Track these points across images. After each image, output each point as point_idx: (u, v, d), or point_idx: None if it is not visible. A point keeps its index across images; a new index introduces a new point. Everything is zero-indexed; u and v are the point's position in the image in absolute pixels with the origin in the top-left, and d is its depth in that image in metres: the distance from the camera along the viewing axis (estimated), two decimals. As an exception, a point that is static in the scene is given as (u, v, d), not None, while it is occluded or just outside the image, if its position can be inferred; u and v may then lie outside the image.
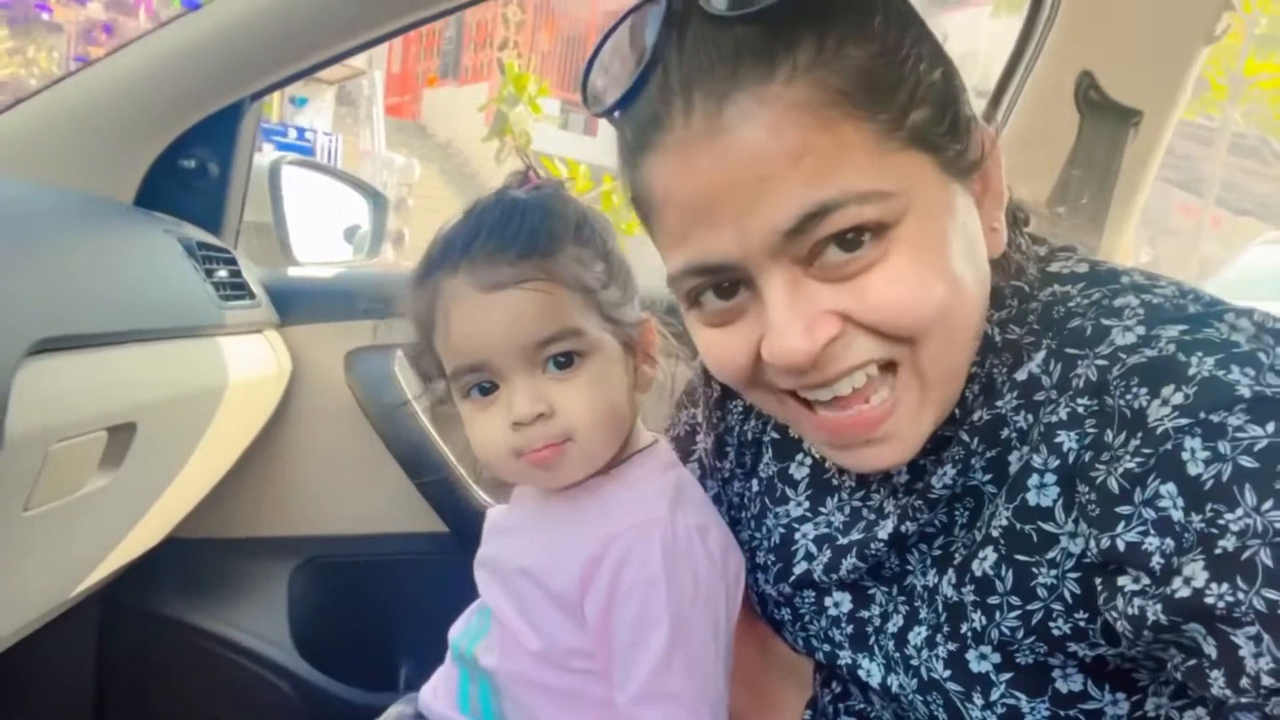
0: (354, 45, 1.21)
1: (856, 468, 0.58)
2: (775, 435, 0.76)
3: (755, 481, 0.77)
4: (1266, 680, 0.43)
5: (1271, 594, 0.43)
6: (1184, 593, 0.45)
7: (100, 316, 0.84)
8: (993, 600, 0.56)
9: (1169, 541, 0.46)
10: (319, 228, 1.75)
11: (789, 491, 0.73)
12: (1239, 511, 0.44)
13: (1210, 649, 0.45)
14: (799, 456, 0.73)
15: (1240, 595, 0.43)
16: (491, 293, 0.68)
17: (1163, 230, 12.83)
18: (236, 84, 1.19)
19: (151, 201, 1.20)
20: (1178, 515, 0.46)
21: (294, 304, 1.34)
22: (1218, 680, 0.45)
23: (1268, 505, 0.43)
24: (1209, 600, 0.44)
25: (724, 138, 0.50)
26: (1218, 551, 0.44)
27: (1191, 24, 1.17)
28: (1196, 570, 0.45)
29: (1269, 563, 0.43)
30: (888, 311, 0.52)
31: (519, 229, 0.70)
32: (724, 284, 0.55)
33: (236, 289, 1.20)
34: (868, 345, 0.53)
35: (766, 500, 0.75)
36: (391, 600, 1.38)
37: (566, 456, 0.70)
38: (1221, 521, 0.44)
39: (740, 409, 0.79)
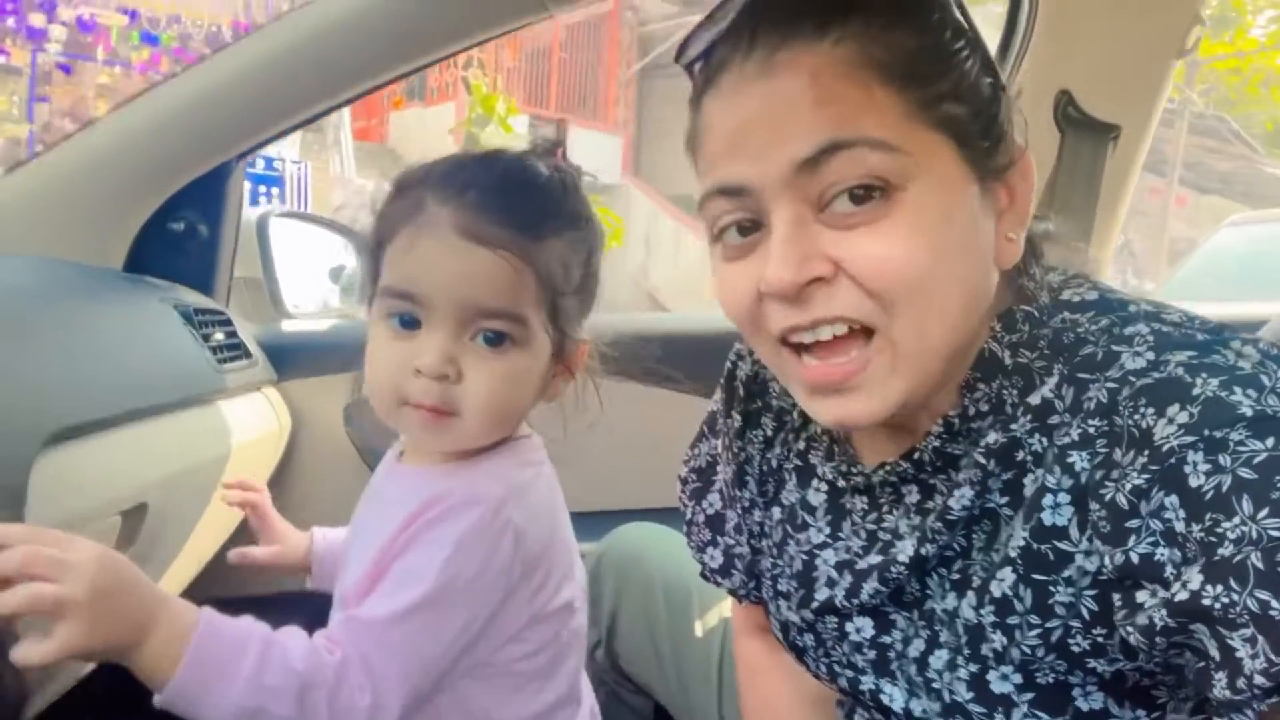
0: (336, 103, 1.21)
1: (827, 417, 0.60)
2: (798, 462, 0.76)
3: (777, 509, 0.77)
4: (1259, 680, 0.44)
5: (1263, 595, 0.44)
6: (1182, 596, 0.47)
7: (109, 399, 0.83)
8: (1012, 620, 0.57)
9: (1175, 552, 0.48)
10: (309, 278, 1.75)
11: (809, 518, 0.74)
12: (1236, 520, 0.46)
13: (1213, 650, 0.46)
14: (815, 483, 0.74)
15: (1234, 597, 0.45)
16: (464, 240, 0.67)
17: (1133, 212, 13.01)
18: (222, 146, 1.19)
19: (142, 266, 1.19)
20: (1180, 526, 0.48)
21: (290, 359, 1.33)
22: (1220, 681, 0.46)
23: (1263, 514, 0.45)
24: (1205, 602, 0.46)
25: (770, 77, 0.56)
26: (1215, 558, 0.46)
27: (1164, 39, 1.19)
28: (1194, 575, 0.46)
29: (1260, 565, 0.44)
30: (871, 266, 0.55)
31: (523, 197, 0.70)
32: (745, 223, 0.59)
33: (233, 349, 1.20)
34: (850, 299, 0.56)
35: (788, 528, 0.76)
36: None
37: (443, 427, 0.70)
38: (1220, 530, 0.46)
39: (761, 439, 0.79)
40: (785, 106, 0.56)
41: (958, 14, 0.59)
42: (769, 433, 0.79)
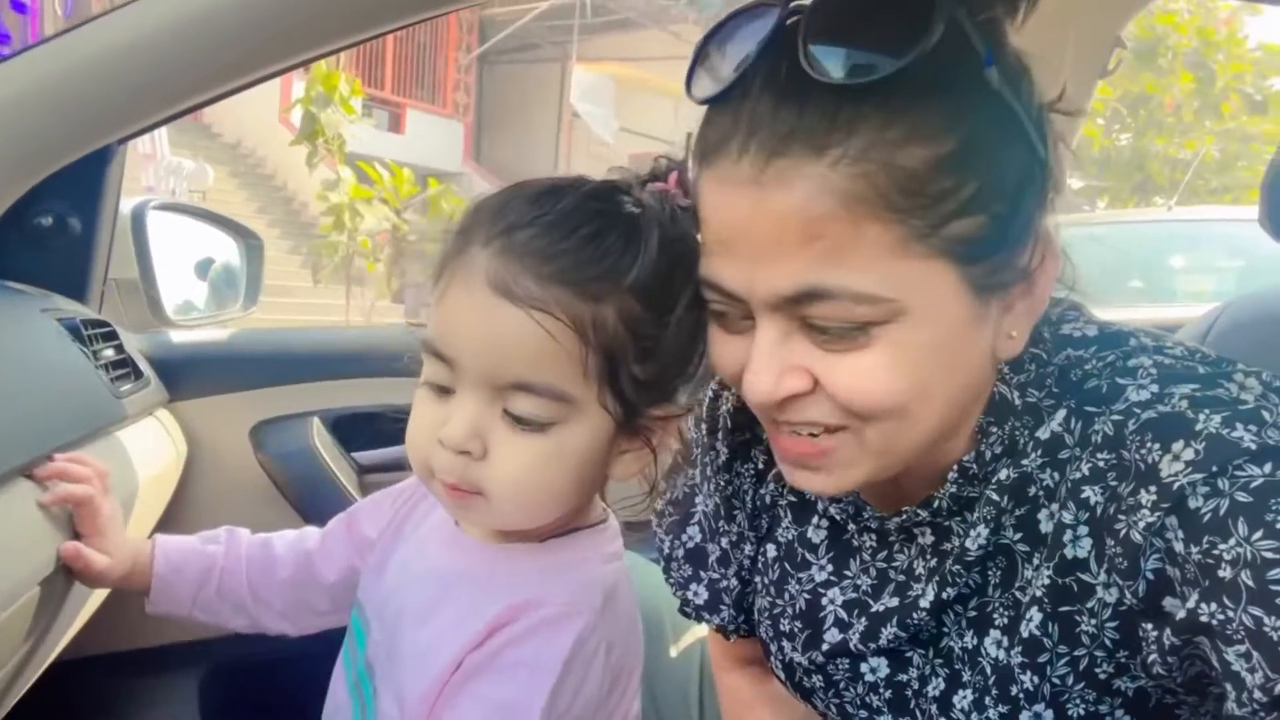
0: (244, 82, 1.05)
1: (796, 484, 0.61)
2: (792, 499, 0.74)
3: (772, 546, 0.75)
4: (1259, 695, 0.46)
5: (1256, 611, 0.46)
6: (1182, 614, 0.49)
7: (15, 446, 0.68)
8: (1043, 659, 0.58)
9: (1176, 571, 0.50)
10: (171, 275, 1.54)
11: (809, 556, 0.72)
12: (1231, 541, 0.48)
13: (1215, 662, 0.48)
14: (815, 519, 0.72)
15: (1229, 614, 0.47)
16: (495, 295, 0.56)
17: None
18: (102, 129, 1.01)
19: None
20: (1179, 547, 0.50)
21: (184, 376, 1.16)
22: (1230, 695, 0.48)
23: (1257, 535, 0.47)
24: (1203, 619, 0.48)
25: (760, 192, 0.52)
26: (1213, 580, 0.48)
27: (1088, 62, 1.25)
28: (1193, 595, 0.49)
29: (1251, 584, 0.47)
30: (849, 394, 0.54)
31: (584, 243, 0.58)
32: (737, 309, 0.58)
33: (122, 368, 1.02)
34: (824, 411, 0.56)
35: (787, 565, 0.73)
36: (320, 699, 1.24)
37: (469, 506, 0.61)
38: (1216, 552, 0.48)
39: (752, 472, 0.77)
40: (772, 228, 0.52)
41: (1000, 97, 0.52)
42: (760, 466, 0.76)
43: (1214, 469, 0.49)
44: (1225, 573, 0.47)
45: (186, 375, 1.17)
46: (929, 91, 0.50)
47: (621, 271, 0.59)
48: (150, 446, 1.02)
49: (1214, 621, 0.48)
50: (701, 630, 1.05)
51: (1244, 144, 10.76)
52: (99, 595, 0.98)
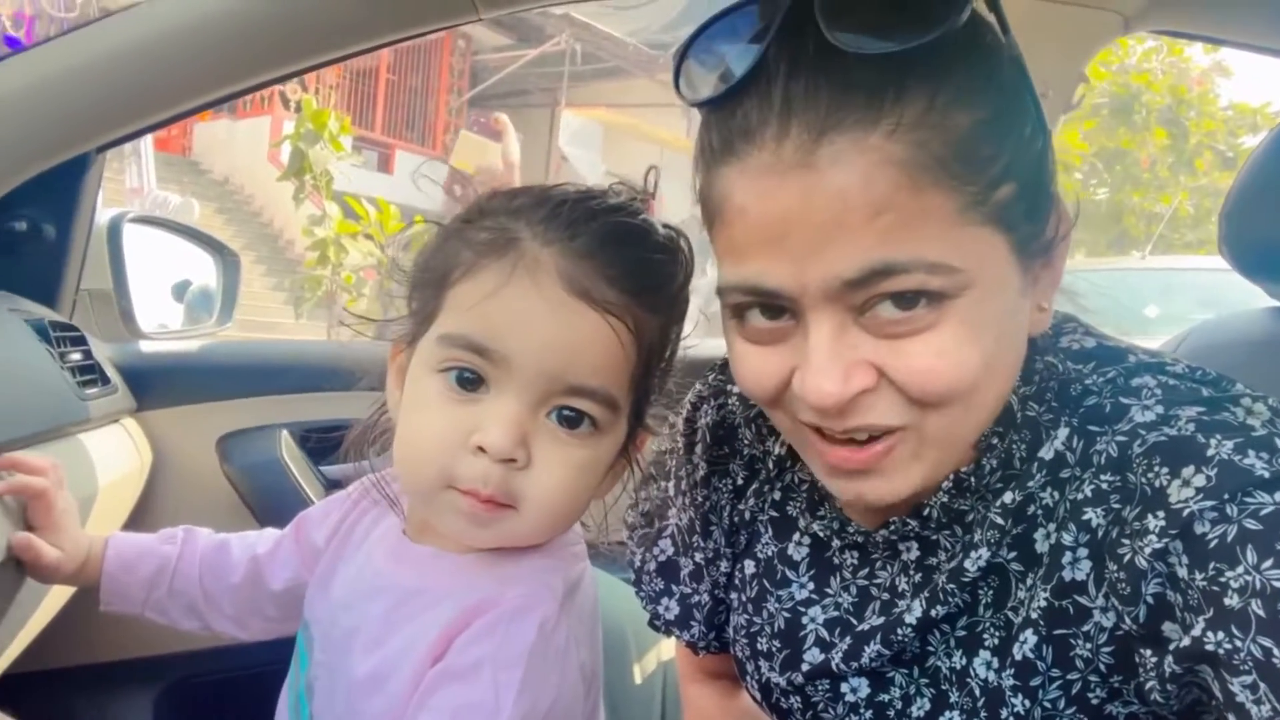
0: (225, 95, 1.07)
1: (845, 496, 0.58)
2: (774, 514, 0.72)
3: (751, 563, 0.73)
4: None
5: (1265, 641, 0.45)
6: (1186, 642, 0.48)
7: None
8: (1035, 681, 0.56)
9: (1178, 596, 0.49)
10: (148, 294, 1.53)
11: (789, 573, 0.69)
12: (1240, 569, 0.46)
13: (1218, 692, 0.47)
14: (796, 536, 0.70)
15: (1237, 643, 0.45)
16: (572, 296, 0.55)
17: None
18: (79, 136, 1.01)
19: (-31, 272, 1.00)
20: (1183, 572, 0.48)
21: (151, 385, 1.16)
22: None
23: (1267, 564, 0.46)
24: (1209, 648, 0.46)
25: (813, 174, 0.49)
26: (1219, 607, 0.46)
27: (1054, 97, 1.28)
28: (1198, 623, 0.47)
29: (1262, 613, 0.45)
30: (922, 377, 0.52)
31: (643, 254, 0.58)
32: (773, 305, 0.54)
33: (89, 373, 1.02)
34: (891, 408, 0.53)
35: (765, 583, 0.71)
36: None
37: (493, 521, 0.58)
38: (1223, 579, 0.46)
39: (730, 488, 0.75)
40: (831, 211, 0.49)
41: (1015, 66, 0.53)
42: (739, 481, 0.74)
43: (1225, 496, 0.48)
44: (1233, 601, 0.46)
45: (154, 384, 1.16)
46: (966, 55, 0.50)
47: (670, 284, 0.60)
48: (113, 452, 1.01)
49: (1220, 651, 0.46)
50: (666, 650, 1.03)
51: (1216, 200, 10.89)
52: (54, 602, 0.97)
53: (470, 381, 0.57)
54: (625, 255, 0.58)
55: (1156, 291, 4.97)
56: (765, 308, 0.54)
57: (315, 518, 0.79)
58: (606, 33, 11.65)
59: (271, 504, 1.17)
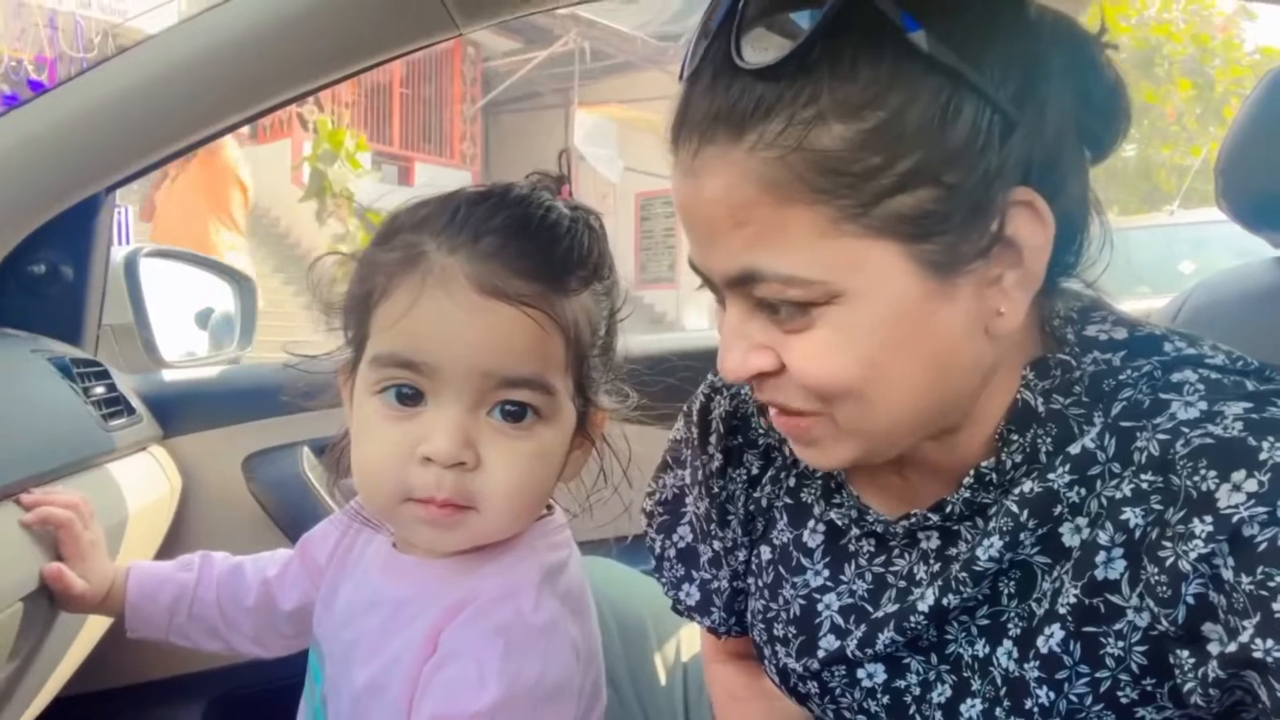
0: (224, 127, 1.11)
1: (799, 457, 0.61)
2: (789, 501, 0.73)
3: (767, 549, 0.74)
4: None
5: None
6: (1232, 648, 0.47)
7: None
8: (1060, 675, 0.56)
9: (1222, 598, 0.48)
10: (172, 324, 1.59)
11: (804, 560, 0.70)
12: None
13: (1264, 696, 0.46)
14: (811, 523, 0.70)
15: None
16: (482, 296, 0.57)
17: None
18: (90, 177, 1.06)
19: (-5, 316, 1.04)
20: (1228, 575, 0.47)
21: (176, 412, 1.20)
22: None
23: None
24: (1256, 655, 0.45)
25: (693, 179, 0.53)
26: (1266, 612, 0.45)
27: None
28: (1246, 628, 0.46)
29: None
30: (804, 370, 0.54)
31: (549, 241, 0.60)
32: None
33: (114, 405, 1.06)
34: (793, 392, 0.56)
35: (781, 569, 0.72)
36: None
37: (456, 524, 0.59)
38: (1273, 584, 0.45)
39: (745, 477, 0.75)
40: (708, 215, 0.53)
41: (941, 61, 0.49)
42: (754, 470, 0.75)
43: (1279, 501, 0.46)
44: None
45: (179, 411, 1.20)
46: (843, 67, 0.49)
47: (581, 266, 0.62)
48: (142, 479, 1.06)
49: (1270, 659, 0.45)
50: (686, 639, 1.05)
51: (1249, 147, 10.68)
52: (95, 630, 1.01)
53: (409, 397, 0.59)
54: (531, 246, 0.59)
55: (1190, 246, 4.86)
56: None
57: (316, 538, 0.81)
58: (614, 28, 11.65)
59: (297, 518, 1.21)
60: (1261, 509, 0.47)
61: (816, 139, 0.49)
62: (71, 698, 1.07)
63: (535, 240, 0.60)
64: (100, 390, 1.03)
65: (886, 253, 0.51)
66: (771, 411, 0.60)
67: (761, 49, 0.50)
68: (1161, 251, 4.74)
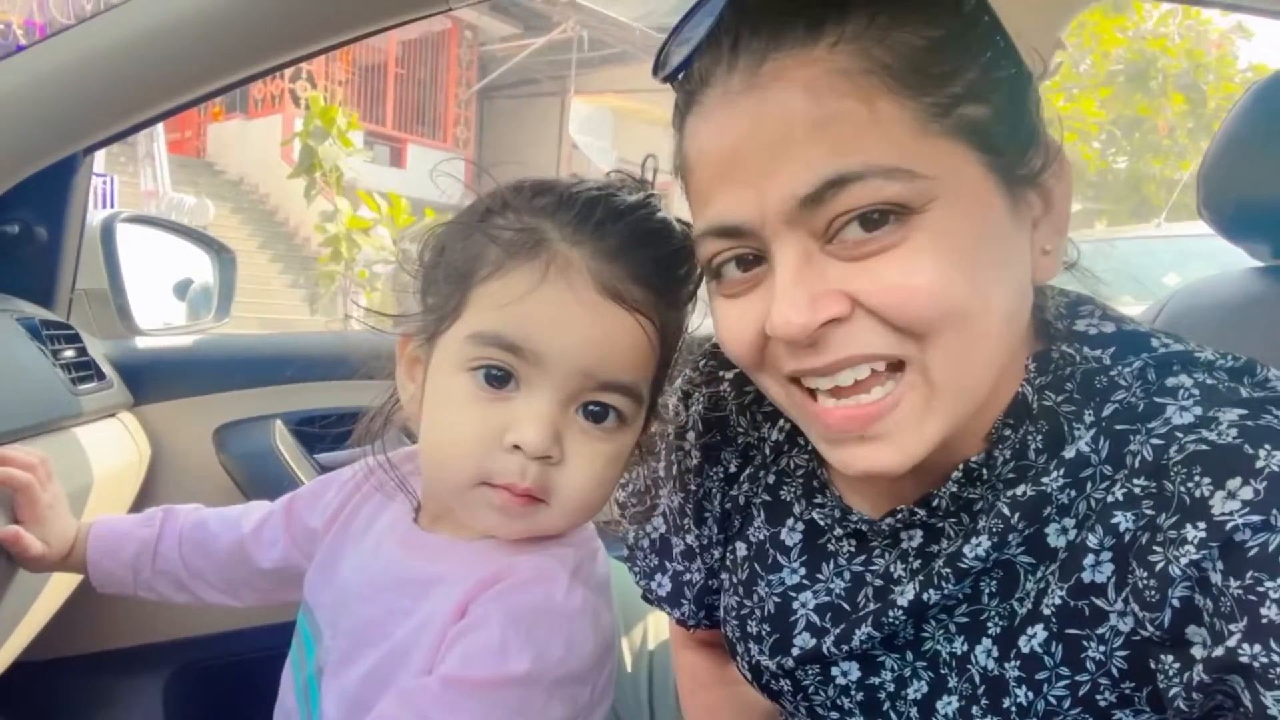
0: (210, 91, 1.09)
1: (854, 468, 0.54)
2: (767, 498, 0.72)
3: (743, 545, 0.73)
4: None
5: None
6: (1219, 653, 0.46)
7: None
8: (1040, 676, 0.55)
9: (1209, 602, 0.47)
10: (148, 293, 1.57)
11: (780, 558, 0.69)
12: (1279, 580, 0.44)
13: (1247, 701, 0.45)
14: (790, 522, 0.69)
15: (1274, 657, 0.44)
16: (602, 295, 0.57)
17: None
18: (67, 138, 1.04)
19: (-35, 275, 1.03)
20: (1216, 578, 0.46)
21: (148, 380, 1.19)
22: None
23: None
24: (1243, 660, 0.45)
25: (757, 94, 0.50)
26: (1257, 619, 0.45)
27: (1033, 65, 1.27)
28: (1233, 633, 0.45)
29: None
30: (897, 296, 0.49)
31: (667, 252, 0.60)
32: (747, 256, 0.54)
33: (84, 369, 1.05)
34: (873, 336, 0.51)
35: (756, 566, 0.71)
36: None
37: (528, 516, 0.59)
38: (1261, 589, 0.45)
39: (722, 475, 0.75)
40: (778, 128, 0.49)
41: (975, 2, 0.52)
42: (732, 469, 0.74)
43: (1274, 510, 0.46)
44: (1271, 613, 0.44)
45: (150, 379, 1.19)
46: None
47: (688, 280, 0.62)
48: (109, 445, 1.04)
49: (1255, 664, 0.44)
50: (653, 625, 1.05)
51: (1237, 164, 10.77)
52: (59, 592, 1.00)
53: (499, 379, 0.58)
54: (650, 255, 0.59)
55: (1175, 258, 4.90)
56: (740, 260, 0.54)
57: (307, 498, 0.79)
58: (613, 18, 11.61)
59: (267, 491, 1.18)
60: (1256, 516, 0.46)
61: (898, 35, 0.49)
62: (33, 663, 1.06)
63: (654, 249, 0.60)
64: (70, 354, 1.02)
65: (970, 161, 0.50)
66: (820, 410, 0.54)
67: None
68: (1147, 263, 4.78)
